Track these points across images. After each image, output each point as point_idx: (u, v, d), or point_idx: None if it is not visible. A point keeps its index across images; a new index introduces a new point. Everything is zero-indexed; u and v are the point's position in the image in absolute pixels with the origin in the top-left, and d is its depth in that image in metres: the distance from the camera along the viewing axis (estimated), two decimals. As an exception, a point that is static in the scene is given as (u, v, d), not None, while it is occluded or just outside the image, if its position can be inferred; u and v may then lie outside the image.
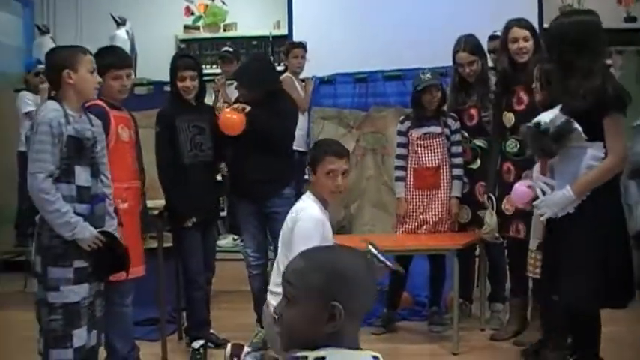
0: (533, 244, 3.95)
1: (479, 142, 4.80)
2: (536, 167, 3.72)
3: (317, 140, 3.97)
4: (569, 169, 3.44)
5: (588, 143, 3.38)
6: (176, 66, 4.50)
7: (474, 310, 5.05)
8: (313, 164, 3.48)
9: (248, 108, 4.42)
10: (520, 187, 3.92)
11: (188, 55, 4.82)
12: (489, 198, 4.55)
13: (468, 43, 4.74)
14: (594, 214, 3.38)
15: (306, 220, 3.42)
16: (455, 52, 4.77)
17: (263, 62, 5.01)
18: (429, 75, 4.77)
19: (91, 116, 3.51)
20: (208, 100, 5.23)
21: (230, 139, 4.46)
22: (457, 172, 4.80)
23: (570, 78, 3.41)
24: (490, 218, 4.50)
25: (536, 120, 3.53)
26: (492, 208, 4.50)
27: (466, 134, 4.83)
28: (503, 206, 4.48)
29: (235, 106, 4.49)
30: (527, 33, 4.41)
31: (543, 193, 3.55)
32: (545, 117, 3.48)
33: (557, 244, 3.50)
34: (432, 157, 4.80)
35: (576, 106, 3.35)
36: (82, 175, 3.33)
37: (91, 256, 3.32)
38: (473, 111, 4.80)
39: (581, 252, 3.38)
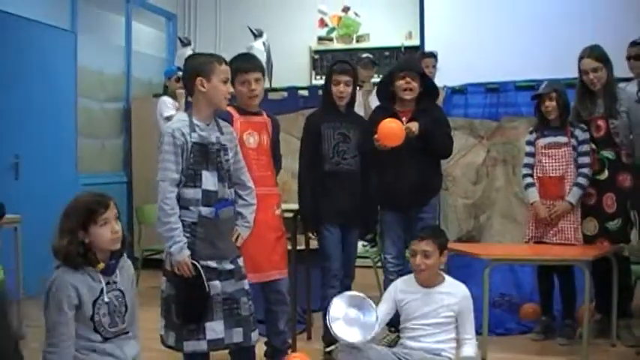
0: None
1: (607, 153, 4.70)
2: None
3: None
4: None
5: None
6: (332, 70, 4.46)
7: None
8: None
9: (417, 126, 4.34)
10: None
11: (347, 61, 4.64)
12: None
13: (593, 50, 4.69)
14: None
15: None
16: (579, 59, 4.72)
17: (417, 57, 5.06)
18: (544, 84, 4.79)
19: (223, 123, 3.61)
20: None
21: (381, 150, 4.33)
22: (580, 180, 4.68)
23: None
24: (633, 235, 4.48)
25: None
26: (635, 226, 4.48)
27: (594, 145, 4.73)
28: (638, 217, 4.38)
29: (411, 124, 4.33)
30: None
31: None
32: None
33: None
34: (555, 166, 4.74)
35: None
36: (209, 180, 3.44)
37: (175, 281, 3.43)
38: (600, 122, 4.71)
39: None
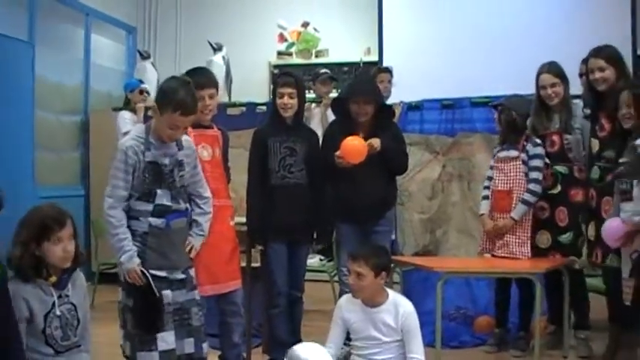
0: (625, 271, 3.97)
1: (560, 168, 4.81)
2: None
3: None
4: None
5: None
6: (276, 83, 4.57)
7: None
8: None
9: (378, 142, 4.45)
10: (611, 224, 3.93)
11: (290, 73, 4.72)
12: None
13: (551, 66, 4.83)
14: None
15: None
16: (538, 75, 4.84)
17: (372, 76, 5.12)
18: (502, 99, 4.94)
19: (184, 137, 3.60)
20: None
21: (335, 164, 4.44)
22: (526, 196, 4.75)
23: None
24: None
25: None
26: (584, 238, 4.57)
27: (547, 159, 4.83)
28: (588, 232, 4.48)
29: (373, 141, 4.43)
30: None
31: None
32: None
33: None
34: (504, 180, 4.84)
35: None
36: (163, 197, 3.46)
37: (129, 290, 3.44)
38: (555, 137, 4.82)
39: None
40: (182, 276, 3.53)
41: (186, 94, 3.44)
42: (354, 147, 4.33)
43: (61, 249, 2.96)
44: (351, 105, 4.54)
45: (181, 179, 3.55)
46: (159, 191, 3.45)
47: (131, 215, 3.43)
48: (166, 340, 3.43)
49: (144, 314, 3.41)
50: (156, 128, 3.50)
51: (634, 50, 7.24)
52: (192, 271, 3.60)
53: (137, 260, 3.39)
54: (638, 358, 4.21)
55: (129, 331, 3.45)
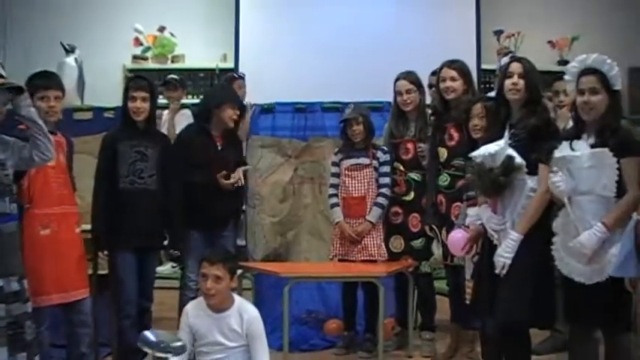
0: (467, 273, 4.19)
1: (413, 175, 4.97)
2: (482, 209, 3.86)
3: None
4: (514, 201, 3.67)
5: (527, 176, 3.63)
6: (129, 86, 4.49)
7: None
8: None
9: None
10: (455, 236, 4.13)
11: (143, 77, 4.69)
12: (432, 229, 4.76)
13: (408, 74, 5.02)
14: (528, 241, 3.61)
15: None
16: (395, 81, 5.01)
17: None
18: (350, 109, 5.04)
19: (2, 137, 3.51)
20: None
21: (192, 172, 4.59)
22: (379, 199, 4.94)
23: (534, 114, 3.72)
24: (437, 250, 4.73)
25: (478, 152, 3.71)
26: (438, 240, 4.72)
27: (402, 167, 5.00)
28: (441, 236, 4.65)
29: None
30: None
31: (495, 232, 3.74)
32: (490, 149, 3.66)
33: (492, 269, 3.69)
34: (358, 186, 4.98)
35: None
36: None
37: None
38: (409, 145, 4.99)
39: (518, 276, 3.58)
40: (17, 287, 3.42)
41: None
42: None
43: None
44: (226, 111, 4.74)
45: (7, 178, 3.45)
46: None
47: None
48: None
49: None
50: None
51: (478, 64, 7.63)
52: (25, 283, 3.49)
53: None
54: (476, 352, 4.44)
55: None
